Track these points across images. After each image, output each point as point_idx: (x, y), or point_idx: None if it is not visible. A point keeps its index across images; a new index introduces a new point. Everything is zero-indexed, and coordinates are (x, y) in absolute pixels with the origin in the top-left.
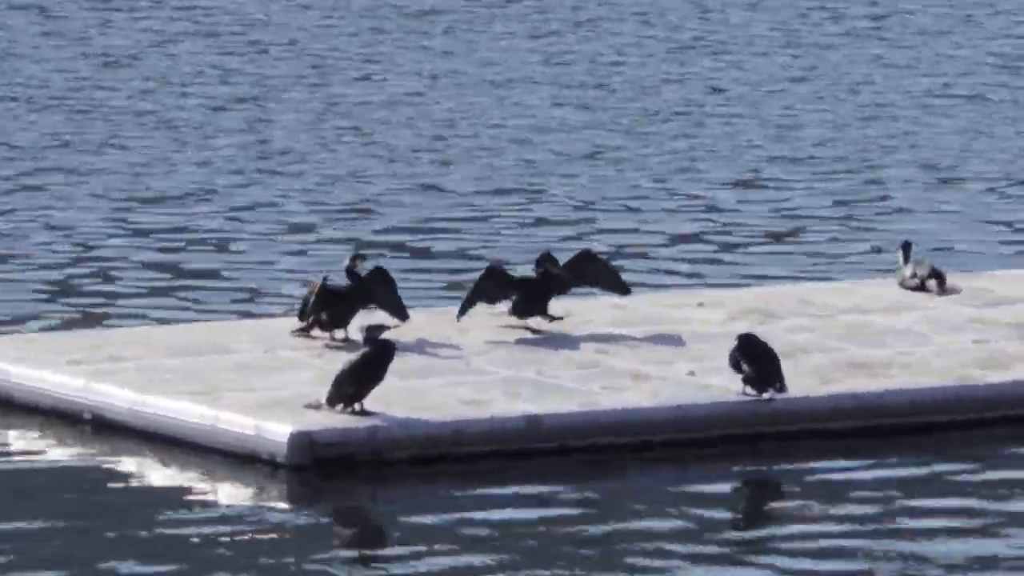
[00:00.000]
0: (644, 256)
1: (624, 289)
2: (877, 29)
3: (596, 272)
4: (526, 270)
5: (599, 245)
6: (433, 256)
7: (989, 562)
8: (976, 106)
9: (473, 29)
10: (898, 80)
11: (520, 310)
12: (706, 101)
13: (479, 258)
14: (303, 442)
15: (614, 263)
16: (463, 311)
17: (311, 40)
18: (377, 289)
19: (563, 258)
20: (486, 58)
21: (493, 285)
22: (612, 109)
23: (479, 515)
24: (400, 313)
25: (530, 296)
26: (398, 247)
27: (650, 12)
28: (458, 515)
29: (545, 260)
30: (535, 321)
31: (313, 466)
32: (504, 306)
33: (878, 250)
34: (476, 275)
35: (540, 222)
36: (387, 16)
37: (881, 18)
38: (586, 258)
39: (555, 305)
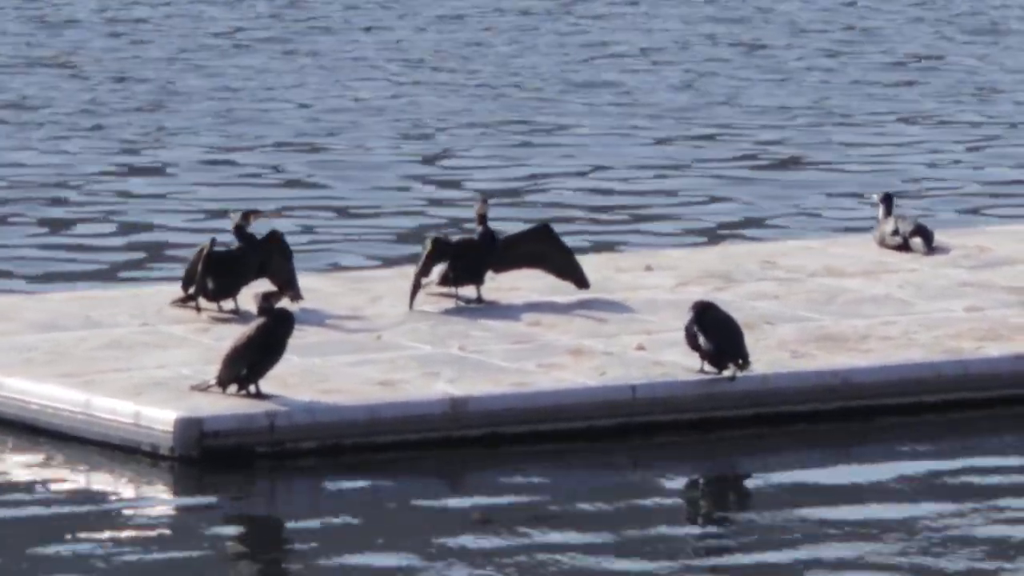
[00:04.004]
0: (583, 213)
1: (583, 281)
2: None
3: (553, 256)
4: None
5: (533, 202)
6: (334, 211)
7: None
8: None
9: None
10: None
11: (453, 276)
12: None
13: (390, 215)
14: (191, 430)
15: (546, 219)
16: (414, 295)
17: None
18: (274, 258)
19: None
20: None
21: (438, 259)
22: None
23: (395, 513)
24: (294, 290)
25: (467, 259)
26: (294, 198)
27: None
28: (371, 513)
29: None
30: (468, 290)
31: (202, 458)
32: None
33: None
34: (420, 249)
35: (466, 175)
36: None
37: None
38: (545, 236)
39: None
